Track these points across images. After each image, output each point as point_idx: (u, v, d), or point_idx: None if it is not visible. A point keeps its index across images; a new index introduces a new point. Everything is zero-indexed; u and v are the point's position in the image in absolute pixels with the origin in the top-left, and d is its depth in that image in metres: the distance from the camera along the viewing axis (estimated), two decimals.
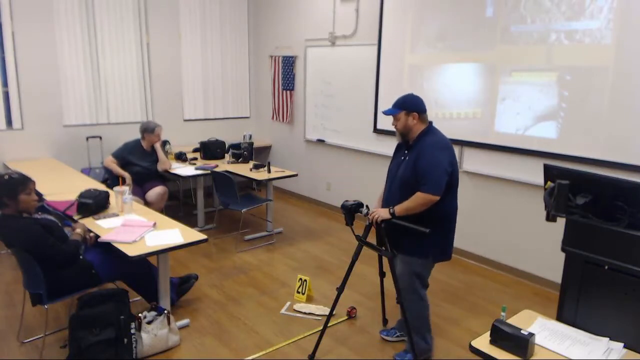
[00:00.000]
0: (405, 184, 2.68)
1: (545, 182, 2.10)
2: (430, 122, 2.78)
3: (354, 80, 5.53)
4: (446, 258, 2.83)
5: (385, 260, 2.88)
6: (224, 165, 5.30)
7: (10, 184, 2.79)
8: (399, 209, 2.63)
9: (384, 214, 2.67)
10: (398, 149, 2.90)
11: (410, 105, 2.73)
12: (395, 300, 2.77)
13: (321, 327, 2.97)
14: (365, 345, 3.15)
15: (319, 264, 4.44)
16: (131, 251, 2.85)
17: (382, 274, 3.14)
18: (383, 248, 2.78)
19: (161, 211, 4.30)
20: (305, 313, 3.52)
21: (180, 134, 6.25)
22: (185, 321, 3.33)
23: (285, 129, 6.71)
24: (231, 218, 5.67)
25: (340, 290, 2.88)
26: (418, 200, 2.58)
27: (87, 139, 5.57)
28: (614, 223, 1.90)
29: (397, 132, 2.80)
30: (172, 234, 3.15)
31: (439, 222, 2.69)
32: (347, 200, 2.86)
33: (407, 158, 2.72)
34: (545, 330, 1.98)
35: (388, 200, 2.81)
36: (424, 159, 2.62)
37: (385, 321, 3.36)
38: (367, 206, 2.82)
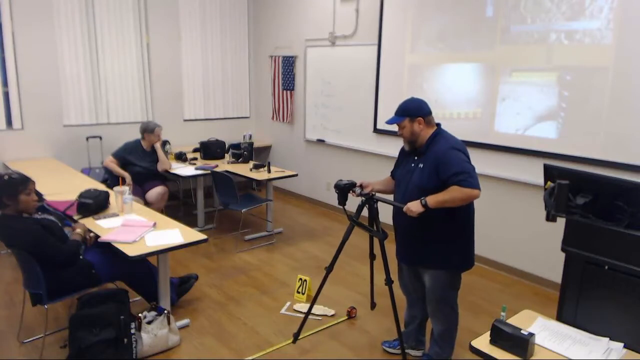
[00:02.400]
0: (423, 192, 2.48)
1: (545, 182, 2.10)
2: (439, 124, 2.64)
3: (354, 80, 5.53)
4: (469, 266, 2.71)
5: (376, 243, 2.83)
6: (224, 165, 5.30)
7: (10, 184, 2.79)
8: (432, 200, 2.41)
9: (416, 207, 2.43)
10: (405, 154, 2.73)
11: (414, 110, 2.58)
12: (384, 282, 2.73)
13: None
14: (365, 345, 3.15)
15: (319, 264, 4.44)
16: (131, 251, 2.85)
17: (372, 256, 3.03)
18: (378, 229, 2.72)
19: (161, 211, 4.31)
20: (305, 313, 3.51)
21: (180, 134, 6.25)
22: (185, 321, 3.33)
23: (285, 129, 6.71)
24: (231, 218, 5.67)
25: (328, 269, 2.84)
26: (457, 194, 2.38)
27: (87, 139, 5.57)
28: (614, 223, 1.90)
29: (405, 140, 2.64)
30: (172, 234, 3.15)
31: (463, 229, 2.60)
32: (340, 180, 2.80)
33: (422, 165, 2.55)
34: (545, 330, 1.98)
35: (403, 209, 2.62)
36: (448, 160, 2.45)
37: (373, 305, 3.27)
38: (360, 186, 2.77)
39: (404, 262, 2.83)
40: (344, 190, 2.76)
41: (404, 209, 2.49)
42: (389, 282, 2.74)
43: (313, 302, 2.96)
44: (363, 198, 2.74)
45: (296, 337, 2.97)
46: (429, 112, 2.62)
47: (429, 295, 2.72)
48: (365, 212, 2.78)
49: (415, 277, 2.82)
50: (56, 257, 2.82)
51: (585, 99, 3.61)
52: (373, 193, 2.73)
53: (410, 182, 2.60)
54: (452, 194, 2.40)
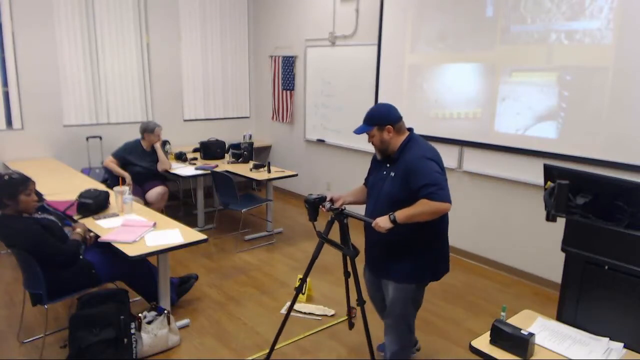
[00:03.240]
0: (394, 202, 2.40)
1: (545, 182, 2.10)
2: (411, 130, 2.53)
3: (354, 80, 5.53)
4: (436, 278, 2.59)
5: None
6: (224, 165, 5.30)
7: (10, 184, 2.79)
8: (401, 215, 2.31)
9: (385, 223, 2.35)
10: (377, 161, 2.65)
11: (382, 118, 2.46)
12: (356, 302, 2.63)
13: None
14: (365, 345, 3.15)
15: (319, 264, 4.38)
16: (131, 251, 2.85)
17: (346, 274, 2.84)
18: (349, 246, 2.61)
19: (161, 211, 4.31)
20: (305, 313, 3.52)
21: (180, 134, 6.25)
22: (185, 321, 3.33)
23: (285, 129, 6.71)
24: (231, 218, 5.67)
25: (298, 290, 2.76)
26: (426, 207, 2.28)
27: (87, 139, 5.57)
28: (614, 223, 1.90)
29: (376, 149, 2.55)
30: (172, 234, 3.15)
31: (434, 243, 2.51)
32: (310, 194, 2.68)
33: (393, 174, 2.46)
34: (545, 330, 1.98)
35: (374, 217, 2.52)
36: (419, 170, 2.35)
37: (351, 325, 3.17)
38: (330, 200, 2.66)
39: (371, 272, 2.75)
40: (314, 204, 2.63)
41: (373, 225, 2.39)
42: (360, 302, 2.61)
43: (283, 325, 2.82)
44: (332, 213, 2.61)
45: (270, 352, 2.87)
46: (399, 119, 2.49)
47: (389, 309, 2.62)
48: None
49: (376, 287, 2.76)
50: (56, 257, 2.82)
51: (585, 99, 3.61)
52: (343, 208, 2.60)
53: (381, 191, 2.51)
54: (422, 208, 2.29)
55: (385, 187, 2.49)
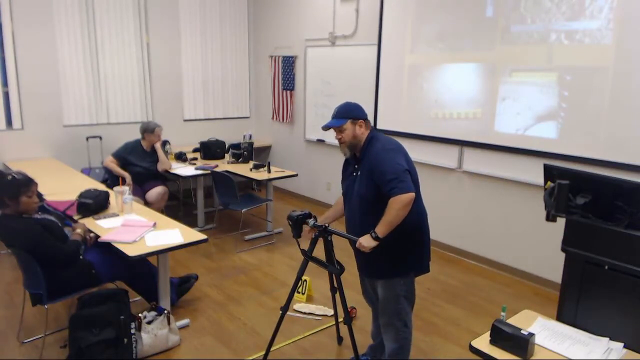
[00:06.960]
0: (364, 201, 2.44)
1: (545, 182, 2.10)
2: (372, 128, 2.55)
3: (354, 80, 5.53)
4: (424, 270, 2.57)
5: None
6: (224, 165, 5.30)
7: (13, 185, 2.78)
8: (381, 228, 2.32)
9: (368, 242, 2.35)
10: (346, 165, 2.65)
11: (355, 111, 2.51)
12: (343, 320, 2.60)
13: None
14: (364, 345, 3.15)
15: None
16: (131, 251, 2.85)
17: (333, 290, 2.86)
18: (333, 264, 2.58)
19: (161, 211, 4.30)
20: (305, 313, 3.52)
21: (180, 134, 6.25)
22: (185, 321, 3.33)
23: (285, 129, 6.71)
24: (231, 218, 5.67)
25: (284, 309, 2.70)
26: (395, 206, 2.28)
27: (87, 139, 5.57)
28: (614, 223, 1.90)
29: (346, 146, 2.51)
30: (172, 234, 3.15)
31: (411, 231, 2.46)
32: (294, 210, 2.63)
33: (360, 173, 2.47)
34: (545, 330, 1.98)
35: (350, 222, 2.59)
36: (378, 165, 2.36)
37: (340, 339, 3.17)
38: (315, 217, 2.63)
39: (362, 274, 2.75)
40: (297, 221, 2.60)
41: (357, 245, 2.40)
42: (347, 320, 2.57)
43: (270, 344, 2.82)
44: (316, 230, 2.58)
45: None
46: (367, 116, 2.56)
47: (381, 307, 2.62)
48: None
49: (368, 284, 2.76)
50: (56, 257, 2.82)
51: (585, 99, 3.61)
52: (326, 225, 2.57)
53: (354, 193, 2.51)
54: (394, 211, 2.29)
55: (356, 187, 2.50)
